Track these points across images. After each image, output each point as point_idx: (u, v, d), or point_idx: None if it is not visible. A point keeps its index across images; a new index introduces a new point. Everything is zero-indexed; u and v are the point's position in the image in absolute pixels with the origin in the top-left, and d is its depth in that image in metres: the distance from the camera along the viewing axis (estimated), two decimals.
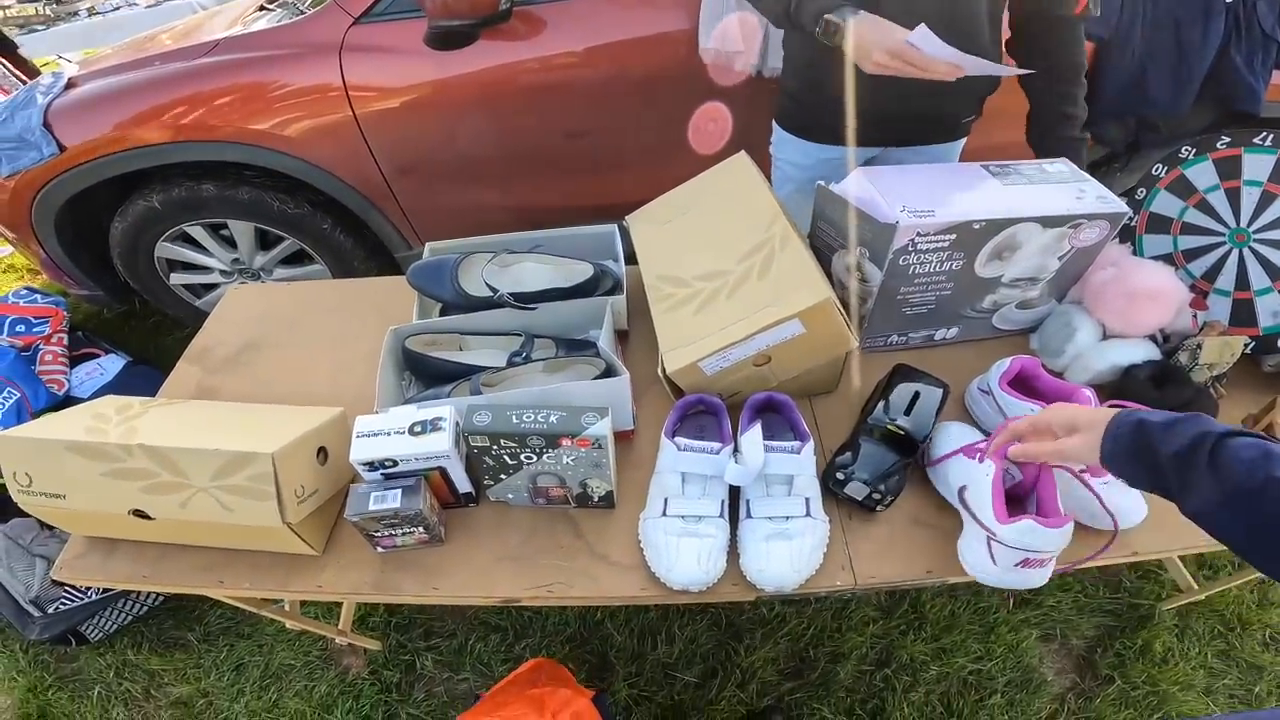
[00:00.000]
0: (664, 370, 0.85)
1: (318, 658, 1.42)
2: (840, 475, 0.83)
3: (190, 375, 1.14)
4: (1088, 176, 0.96)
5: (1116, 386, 0.92)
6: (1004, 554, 0.73)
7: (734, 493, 0.84)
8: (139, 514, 0.82)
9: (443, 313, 1.02)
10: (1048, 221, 0.87)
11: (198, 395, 1.10)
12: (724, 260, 0.90)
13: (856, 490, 0.82)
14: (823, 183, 0.93)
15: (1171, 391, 0.88)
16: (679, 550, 0.79)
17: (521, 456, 0.82)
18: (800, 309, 0.79)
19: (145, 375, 1.92)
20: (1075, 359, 0.95)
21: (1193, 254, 1.00)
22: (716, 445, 0.81)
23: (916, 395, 0.86)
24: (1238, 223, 0.94)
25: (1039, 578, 0.74)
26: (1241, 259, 0.94)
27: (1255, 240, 0.93)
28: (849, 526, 0.85)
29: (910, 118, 1.15)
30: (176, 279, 1.92)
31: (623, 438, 0.94)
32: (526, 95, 1.52)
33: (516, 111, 1.52)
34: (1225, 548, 0.57)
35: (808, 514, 0.79)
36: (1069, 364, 0.96)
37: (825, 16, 0.94)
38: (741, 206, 0.95)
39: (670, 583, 0.79)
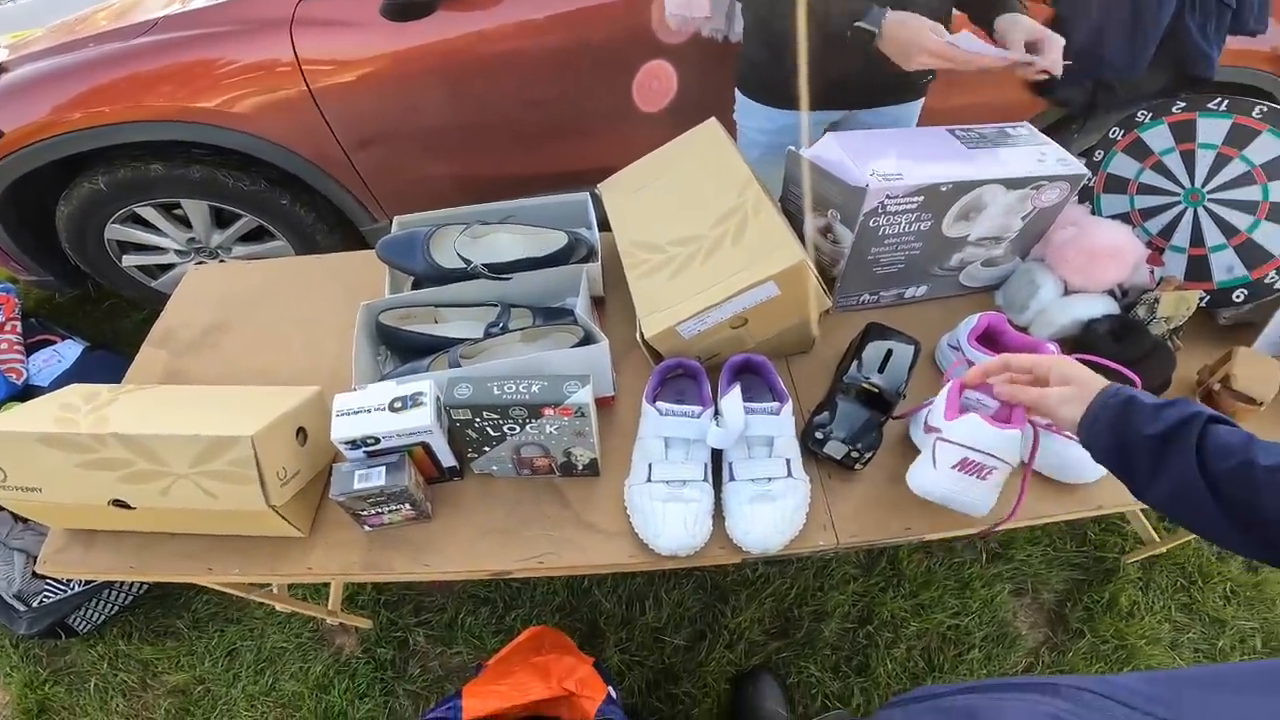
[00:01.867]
0: (642, 335, 0.85)
1: (309, 639, 1.42)
2: (819, 435, 0.85)
3: (156, 359, 1.11)
4: (1048, 139, 0.98)
5: (1078, 340, 0.94)
6: (945, 453, 0.73)
7: (716, 456, 0.85)
8: (119, 504, 0.80)
9: (415, 286, 1.01)
10: (1011, 183, 0.89)
11: (165, 379, 1.07)
12: (698, 225, 0.90)
13: (835, 449, 0.84)
14: (794, 148, 0.94)
15: (1130, 344, 0.90)
16: (665, 516, 0.80)
17: (505, 428, 0.83)
18: (775, 271, 0.80)
19: (105, 360, 1.85)
20: (1039, 314, 0.97)
21: (1149, 213, 1.03)
22: (697, 409, 0.82)
23: (889, 353, 0.89)
24: (1192, 183, 0.97)
25: (978, 494, 0.73)
26: (1196, 218, 0.97)
27: (1209, 200, 0.96)
28: (829, 486, 0.88)
29: (872, 81, 1.15)
30: (129, 260, 1.86)
31: (604, 404, 0.95)
32: (487, 65, 1.48)
33: (478, 81, 1.48)
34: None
35: (789, 474, 0.81)
36: (1033, 319, 0.98)
37: (857, 24, 0.94)
38: (714, 172, 0.95)
39: (658, 548, 0.80)
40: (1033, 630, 1.41)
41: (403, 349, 0.97)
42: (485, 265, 0.93)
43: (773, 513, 0.79)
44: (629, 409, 0.94)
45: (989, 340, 0.92)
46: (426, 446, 0.84)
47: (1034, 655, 1.38)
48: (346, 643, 1.41)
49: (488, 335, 0.92)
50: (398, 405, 0.82)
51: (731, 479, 0.82)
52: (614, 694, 1.00)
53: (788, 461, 0.82)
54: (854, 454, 0.83)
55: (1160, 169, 1.02)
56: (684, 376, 0.93)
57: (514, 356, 0.86)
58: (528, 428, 0.82)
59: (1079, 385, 0.64)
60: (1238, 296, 0.94)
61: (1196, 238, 0.98)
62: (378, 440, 0.82)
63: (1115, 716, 0.38)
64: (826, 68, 1.06)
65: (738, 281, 0.82)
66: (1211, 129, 0.98)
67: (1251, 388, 0.85)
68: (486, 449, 0.87)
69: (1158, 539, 1.37)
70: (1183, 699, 0.38)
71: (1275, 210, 0.89)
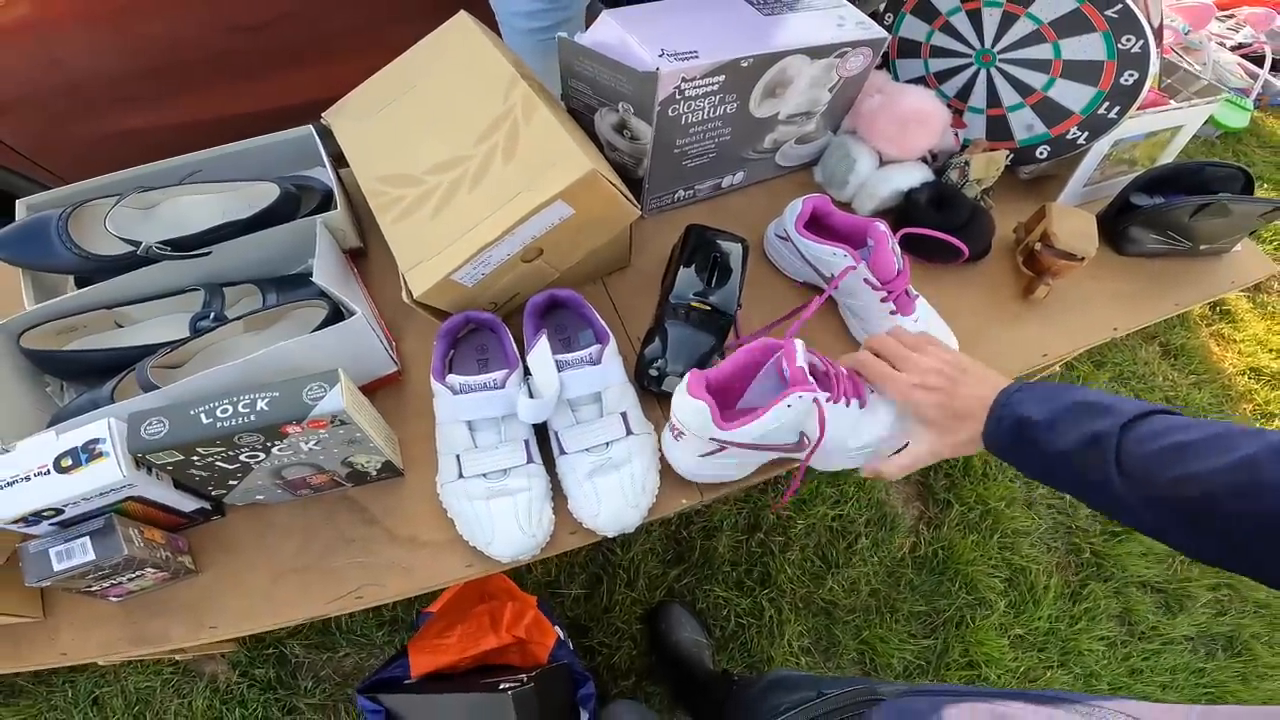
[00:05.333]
0: (410, 295, 0.65)
1: (174, 674, 1.22)
2: (653, 371, 0.71)
3: None
4: (843, 1, 0.89)
5: (901, 210, 0.91)
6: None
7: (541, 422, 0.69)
8: None
9: (81, 285, 0.71)
10: (815, 52, 0.79)
11: None
12: (460, 144, 0.70)
13: (675, 386, 0.70)
14: (564, 34, 0.76)
15: (951, 212, 0.88)
16: (492, 516, 0.64)
17: (243, 458, 0.60)
18: (561, 188, 0.63)
19: None
20: (860, 188, 0.93)
21: (944, 75, 1.00)
22: (500, 374, 0.64)
23: (715, 259, 0.75)
24: (982, 44, 0.94)
25: (679, 454, 0.68)
26: (990, 78, 0.95)
27: (1001, 60, 0.93)
28: None
29: None
30: None
31: (387, 383, 0.74)
32: None
33: (151, 14, 1.12)
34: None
35: (629, 431, 0.67)
36: (855, 193, 0.94)
37: None
38: (471, 76, 0.74)
39: (496, 556, 0.65)
40: (907, 506, 1.45)
41: (79, 374, 0.69)
42: (165, 243, 0.66)
43: (619, 483, 0.65)
44: (425, 380, 0.74)
45: (816, 224, 0.84)
46: (143, 499, 0.61)
47: (915, 534, 1.42)
48: (218, 670, 1.23)
49: (197, 332, 0.66)
50: (67, 463, 0.57)
51: (562, 452, 0.67)
52: (562, 635, 0.98)
53: (624, 416, 0.67)
54: None
55: (949, 30, 0.98)
56: (480, 330, 0.74)
57: (241, 356, 0.62)
58: (275, 451, 0.60)
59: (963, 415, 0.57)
60: (1041, 153, 0.94)
61: (993, 98, 0.96)
62: (60, 510, 0.58)
63: None
64: None
65: (519, 207, 0.63)
66: None
67: (1073, 244, 0.83)
68: (233, 483, 0.64)
69: None
70: None
71: (1069, 67, 0.87)
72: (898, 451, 0.63)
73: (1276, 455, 0.41)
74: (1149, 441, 0.46)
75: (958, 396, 0.57)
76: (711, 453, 0.64)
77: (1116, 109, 0.85)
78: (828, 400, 0.59)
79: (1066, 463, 0.49)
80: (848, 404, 0.62)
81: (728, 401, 0.67)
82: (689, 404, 0.60)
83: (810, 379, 0.58)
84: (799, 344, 0.60)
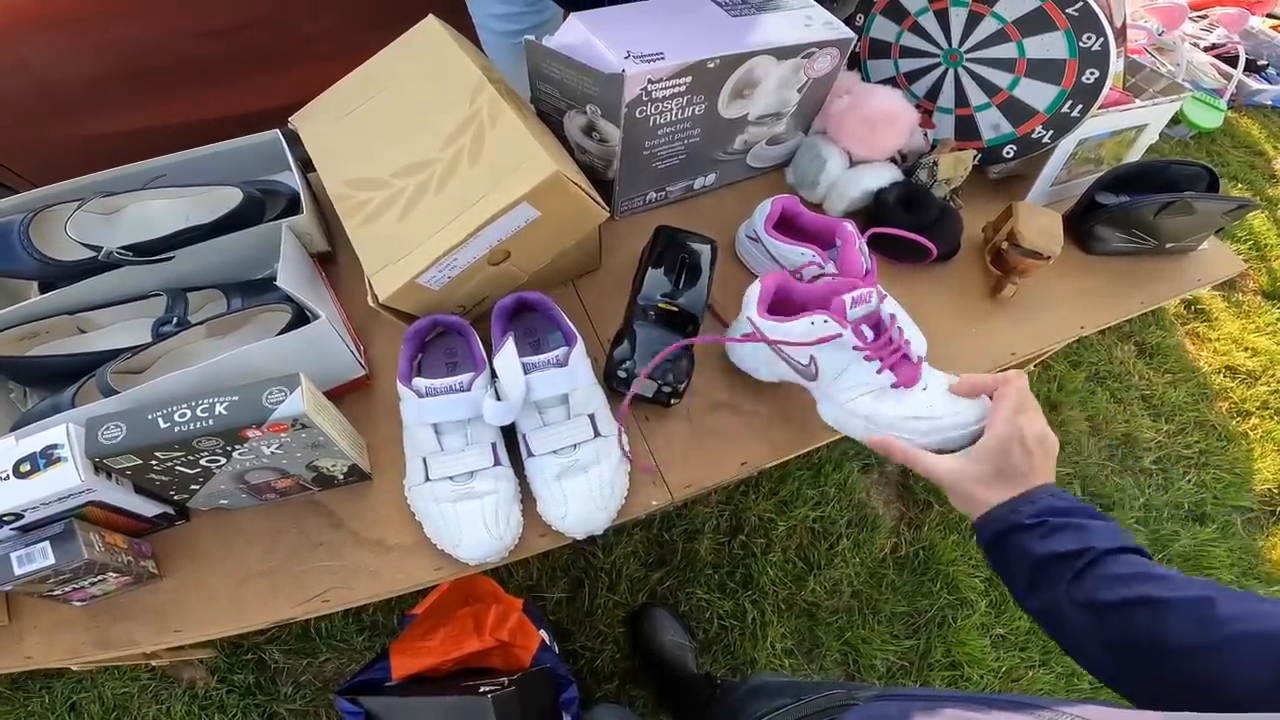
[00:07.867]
0: (375, 298, 0.65)
1: (151, 680, 1.21)
2: (622, 373, 0.71)
3: None
4: (811, 1, 0.89)
5: (871, 211, 0.92)
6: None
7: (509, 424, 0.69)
8: None
9: (43, 291, 0.70)
10: (781, 53, 0.80)
11: None
12: (426, 147, 0.70)
13: (644, 388, 0.71)
14: (530, 37, 0.76)
15: (920, 211, 0.89)
16: (459, 519, 0.64)
17: (203, 462, 0.60)
18: (527, 189, 0.63)
19: None
20: (830, 188, 0.93)
21: (913, 76, 1.01)
22: (466, 378, 0.64)
23: (683, 260, 0.76)
24: (949, 44, 0.95)
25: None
26: (958, 78, 0.96)
27: (968, 60, 0.94)
28: (648, 429, 0.75)
29: None
30: None
31: (355, 387, 0.74)
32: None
33: (122, 18, 1.11)
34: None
35: (597, 433, 0.67)
36: (825, 194, 0.95)
37: None
38: (438, 80, 0.74)
39: (463, 559, 0.65)
40: (888, 507, 1.45)
41: (42, 380, 0.68)
42: (127, 248, 0.65)
43: (586, 485, 0.65)
44: (395, 383, 0.74)
45: (786, 225, 0.84)
46: (103, 504, 0.60)
47: (895, 534, 1.42)
48: (196, 676, 1.21)
49: (159, 337, 0.66)
50: (25, 468, 0.57)
51: (530, 454, 0.67)
52: (547, 639, 0.97)
53: (591, 418, 0.67)
54: (665, 389, 0.70)
55: (918, 30, 1.00)
56: (449, 334, 0.74)
57: (204, 361, 0.61)
58: (236, 455, 0.59)
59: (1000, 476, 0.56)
60: (1007, 153, 0.95)
61: (961, 98, 0.97)
62: (19, 515, 0.57)
63: None
64: None
65: (484, 210, 0.63)
66: None
67: (1039, 243, 0.84)
68: (195, 487, 0.64)
69: None
70: None
71: (1033, 66, 0.88)
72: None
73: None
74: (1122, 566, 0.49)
75: (1035, 461, 0.55)
76: (746, 335, 0.68)
77: (1079, 107, 0.86)
78: (856, 349, 0.63)
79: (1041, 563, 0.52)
80: (879, 371, 0.63)
81: None
82: (754, 286, 0.69)
83: (854, 328, 0.62)
84: (874, 292, 0.66)
